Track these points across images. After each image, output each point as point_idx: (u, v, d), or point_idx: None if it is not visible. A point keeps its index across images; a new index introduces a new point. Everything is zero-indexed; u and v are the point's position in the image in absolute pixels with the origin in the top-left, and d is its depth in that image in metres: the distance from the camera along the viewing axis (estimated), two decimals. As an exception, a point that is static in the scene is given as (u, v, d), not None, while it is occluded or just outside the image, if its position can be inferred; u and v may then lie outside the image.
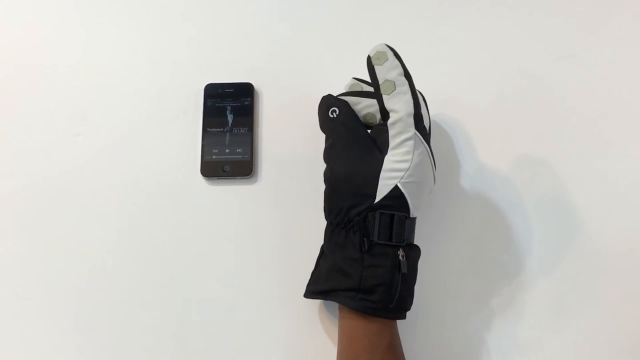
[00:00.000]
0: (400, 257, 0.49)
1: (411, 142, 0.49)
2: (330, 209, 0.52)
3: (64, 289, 0.58)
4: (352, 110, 0.54)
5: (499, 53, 0.68)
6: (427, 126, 0.53)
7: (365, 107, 0.54)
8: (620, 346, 0.56)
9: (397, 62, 0.50)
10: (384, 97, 0.50)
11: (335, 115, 0.53)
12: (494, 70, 0.67)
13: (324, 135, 0.56)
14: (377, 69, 0.50)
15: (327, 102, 0.55)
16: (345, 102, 0.54)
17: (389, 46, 0.51)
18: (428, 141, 0.51)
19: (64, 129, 0.65)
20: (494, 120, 0.65)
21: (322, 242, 0.54)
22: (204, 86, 0.66)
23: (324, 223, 0.53)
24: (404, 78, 0.50)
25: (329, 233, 0.52)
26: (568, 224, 0.60)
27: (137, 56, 0.68)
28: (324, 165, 0.54)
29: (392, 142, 0.50)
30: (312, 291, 0.53)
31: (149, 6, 0.71)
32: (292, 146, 0.63)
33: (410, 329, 0.54)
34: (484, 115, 0.65)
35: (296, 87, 0.66)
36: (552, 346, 0.56)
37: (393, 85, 0.50)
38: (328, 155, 0.54)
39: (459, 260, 0.59)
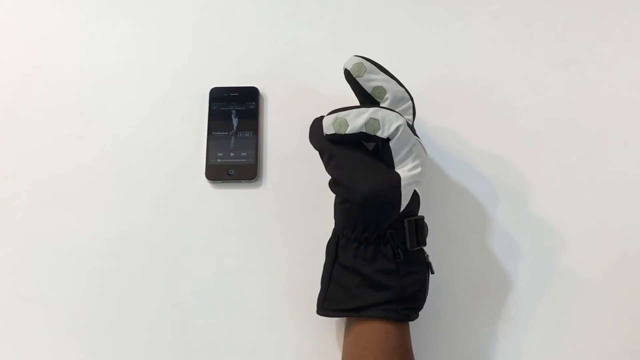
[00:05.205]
0: (428, 260, 0.51)
1: (417, 147, 0.50)
2: (354, 226, 0.50)
3: (67, 290, 0.59)
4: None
5: (499, 60, 0.68)
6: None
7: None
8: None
9: (375, 67, 0.52)
10: (382, 103, 0.51)
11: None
12: (494, 76, 0.67)
13: None
14: (360, 80, 0.52)
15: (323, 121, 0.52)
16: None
17: (361, 56, 0.52)
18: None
19: (68, 132, 0.65)
20: (494, 126, 0.65)
21: (325, 245, 0.53)
22: (209, 90, 0.66)
23: (328, 226, 0.53)
24: (388, 84, 0.52)
25: (352, 249, 0.50)
26: (571, 232, 0.60)
27: (143, 60, 0.69)
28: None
29: (400, 152, 0.50)
30: (336, 309, 0.50)
31: (154, 10, 0.71)
32: (296, 150, 0.64)
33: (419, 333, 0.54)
34: (483, 121, 0.65)
35: (301, 91, 0.66)
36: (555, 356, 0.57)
37: (384, 90, 0.51)
38: (342, 171, 0.51)
39: (460, 263, 0.60)
